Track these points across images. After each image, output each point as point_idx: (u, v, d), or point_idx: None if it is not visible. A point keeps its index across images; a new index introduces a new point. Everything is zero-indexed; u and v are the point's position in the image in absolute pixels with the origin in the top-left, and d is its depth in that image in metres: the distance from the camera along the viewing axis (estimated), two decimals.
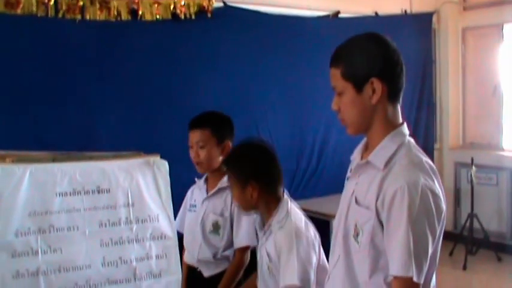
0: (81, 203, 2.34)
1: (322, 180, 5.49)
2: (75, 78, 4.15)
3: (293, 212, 2.57)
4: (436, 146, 6.79)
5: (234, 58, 4.96)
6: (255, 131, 5.00)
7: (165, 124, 4.39)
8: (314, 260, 2.50)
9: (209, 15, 4.74)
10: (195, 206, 3.10)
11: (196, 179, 3.14)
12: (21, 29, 3.94)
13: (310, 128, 5.38)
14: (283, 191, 2.63)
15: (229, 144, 3.01)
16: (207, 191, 3.07)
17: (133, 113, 4.34)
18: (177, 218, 3.11)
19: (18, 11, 3.92)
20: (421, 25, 6.52)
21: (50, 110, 4.00)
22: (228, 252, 3.01)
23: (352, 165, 2.10)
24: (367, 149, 2.04)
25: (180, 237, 2.94)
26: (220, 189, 3.02)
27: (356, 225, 1.96)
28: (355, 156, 2.10)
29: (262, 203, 2.60)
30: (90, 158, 2.47)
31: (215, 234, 3.00)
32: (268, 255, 2.57)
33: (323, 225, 4.33)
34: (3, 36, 3.88)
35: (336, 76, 1.98)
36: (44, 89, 4.00)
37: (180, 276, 2.59)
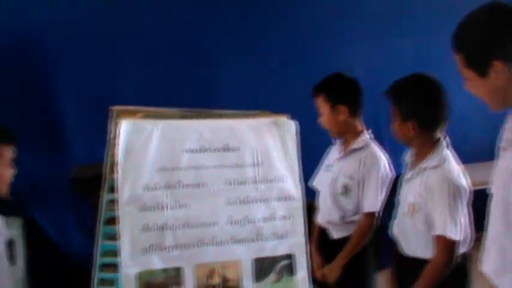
0: (209, 161, 2.33)
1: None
2: (197, 37, 4.15)
3: (449, 159, 2.46)
4: None
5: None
6: None
7: (293, 82, 4.32)
8: (463, 217, 2.40)
9: None
10: (331, 165, 3.05)
11: (335, 140, 3.08)
12: None
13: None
14: (443, 135, 2.52)
15: (345, 108, 2.91)
16: (342, 151, 3.00)
17: (258, 70, 4.29)
18: (315, 176, 3.06)
19: None
20: None
21: (175, 65, 4.03)
22: (356, 217, 2.94)
23: None
24: None
25: None
26: (353, 150, 2.94)
27: None
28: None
29: (419, 142, 2.52)
30: (219, 116, 2.44)
31: (345, 197, 2.94)
32: (415, 194, 2.48)
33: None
34: None
35: (458, 62, 1.94)
36: (164, 46, 4.03)
37: (304, 238, 2.54)
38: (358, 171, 2.92)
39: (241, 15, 4.27)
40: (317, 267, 2.82)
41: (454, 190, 2.40)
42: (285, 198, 2.45)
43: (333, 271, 3.00)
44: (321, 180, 3.10)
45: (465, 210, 2.47)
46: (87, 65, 4.00)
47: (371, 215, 2.93)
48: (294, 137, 2.48)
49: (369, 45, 4.75)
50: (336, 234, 3.00)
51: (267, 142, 2.42)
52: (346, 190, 2.95)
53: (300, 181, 2.50)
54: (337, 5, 4.66)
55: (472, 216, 2.48)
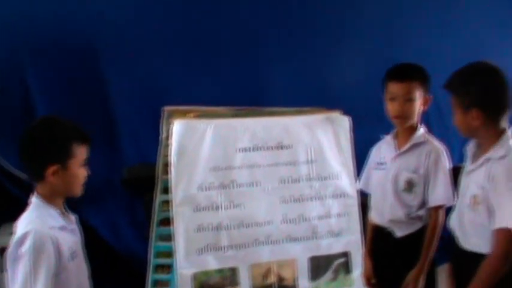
0: (262, 159, 2.31)
1: None
2: (243, 32, 4.13)
3: None
4: None
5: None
6: None
7: (343, 78, 4.27)
8: None
9: None
10: (384, 163, 2.99)
11: (382, 135, 3.02)
12: None
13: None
14: (507, 128, 2.46)
15: (430, 97, 2.88)
16: (398, 147, 2.94)
17: (308, 65, 4.25)
18: (362, 177, 3.01)
19: None
20: None
21: (226, 64, 4.02)
22: (422, 212, 2.88)
23: None
24: None
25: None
26: (414, 145, 2.88)
27: None
28: None
29: (483, 132, 2.45)
30: (271, 114, 2.42)
31: (409, 193, 2.88)
32: (477, 186, 2.41)
33: None
34: None
35: None
36: (211, 44, 4.02)
37: (360, 236, 2.49)
38: (423, 165, 2.85)
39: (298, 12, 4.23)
40: (366, 271, 2.71)
41: None
42: (340, 195, 2.42)
43: (416, 279, 2.87)
44: (375, 180, 3.02)
45: None
46: (139, 65, 4.02)
47: (439, 208, 2.86)
48: (348, 133, 2.44)
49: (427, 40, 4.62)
50: (399, 232, 2.92)
51: (320, 139, 2.39)
52: (410, 185, 2.88)
53: (354, 178, 2.47)
54: None
55: None
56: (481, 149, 2.50)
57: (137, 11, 4.03)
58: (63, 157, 2.22)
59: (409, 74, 2.85)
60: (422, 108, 2.86)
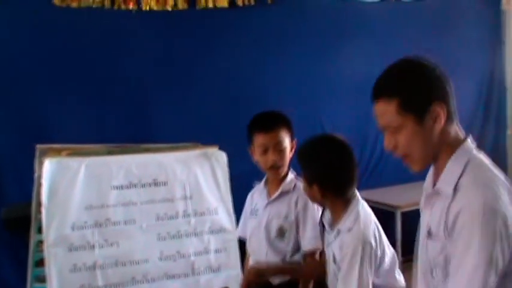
0: (137, 196, 2.29)
1: (387, 170, 5.32)
2: (131, 70, 4.14)
3: (363, 216, 2.44)
4: (507, 131, 6.50)
5: (295, 45, 4.86)
6: (318, 119, 4.91)
7: (223, 115, 4.33)
8: (370, 279, 2.37)
9: (269, 1, 4.64)
10: (257, 210, 3.00)
11: (254, 183, 3.05)
12: (77, 21, 3.94)
13: (374, 115, 5.22)
14: (355, 192, 2.50)
15: (295, 142, 2.90)
16: (269, 195, 2.96)
17: (189, 104, 4.31)
18: (240, 224, 3.00)
19: (74, 4, 3.92)
20: (488, 5, 6.25)
21: (104, 101, 4.00)
22: (297, 257, 2.91)
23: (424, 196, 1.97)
24: (436, 174, 1.88)
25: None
26: (283, 193, 2.90)
27: (430, 260, 1.82)
28: (427, 185, 1.94)
29: (328, 203, 2.50)
30: (147, 150, 2.41)
31: (281, 239, 2.90)
32: (334, 256, 2.47)
33: (387, 216, 4.19)
34: (60, 29, 3.89)
35: (388, 112, 1.83)
36: (99, 80, 4.00)
37: (240, 271, 2.50)
38: (293, 211, 2.88)
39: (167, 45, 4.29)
40: None
41: (367, 251, 2.37)
42: (218, 230, 2.42)
43: None
44: (250, 228, 3.03)
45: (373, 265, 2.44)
46: (18, 100, 3.93)
47: (312, 253, 2.89)
48: (225, 168, 2.45)
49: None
50: (277, 279, 2.93)
51: (197, 174, 2.39)
52: (281, 232, 2.91)
53: (232, 212, 2.48)
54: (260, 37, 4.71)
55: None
56: (333, 218, 2.54)
57: (16, 46, 3.95)
58: None
59: (276, 123, 2.85)
60: (290, 154, 2.88)
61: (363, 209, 2.47)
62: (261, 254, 2.95)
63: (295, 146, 2.88)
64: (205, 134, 2.69)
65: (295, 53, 4.84)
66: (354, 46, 5.08)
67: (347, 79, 5.08)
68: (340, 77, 5.07)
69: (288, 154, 2.85)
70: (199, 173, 2.40)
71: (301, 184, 2.84)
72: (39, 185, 2.22)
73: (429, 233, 1.83)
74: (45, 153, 2.27)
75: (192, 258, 2.35)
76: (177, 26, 4.34)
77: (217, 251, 2.41)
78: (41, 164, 2.23)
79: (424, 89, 1.79)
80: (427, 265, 1.85)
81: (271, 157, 2.81)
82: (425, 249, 1.87)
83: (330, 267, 2.55)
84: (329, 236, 2.55)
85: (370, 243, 2.37)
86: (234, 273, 2.45)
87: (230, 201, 2.46)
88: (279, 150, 2.81)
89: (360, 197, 2.51)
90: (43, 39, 3.99)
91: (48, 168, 2.19)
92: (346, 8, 5.18)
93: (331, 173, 2.44)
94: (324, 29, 5.01)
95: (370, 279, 2.37)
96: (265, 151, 2.82)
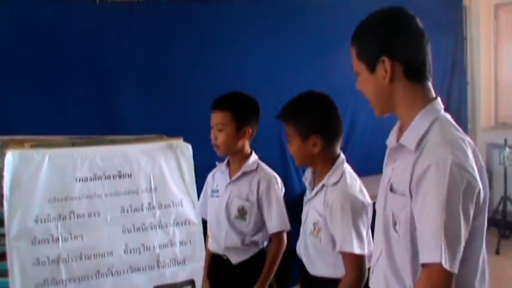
0: (102, 189, 2.26)
1: (350, 163, 5.34)
2: (95, 61, 4.10)
3: (348, 174, 2.49)
4: (468, 126, 6.61)
5: (259, 39, 4.87)
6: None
7: (188, 106, 4.33)
8: (364, 231, 2.43)
9: None
10: (218, 191, 3.01)
11: (217, 163, 3.05)
12: (38, 11, 3.88)
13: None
14: (340, 152, 2.55)
15: (250, 130, 2.90)
16: (230, 175, 2.97)
17: (154, 96, 4.29)
18: (199, 203, 3.01)
19: None
20: (451, 1, 6.34)
21: (69, 93, 3.95)
22: (257, 237, 2.93)
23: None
24: (401, 132, 1.93)
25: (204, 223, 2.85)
26: (245, 173, 2.92)
27: (393, 215, 1.84)
28: (391, 140, 1.98)
29: (319, 159, 2.53)
30: (111, 142, 2.38)
31: (241, 220, 2.92)
32: (317, 213, 2.49)
33: None
34: (20, 20, 3.83)
35: (352, 56, 1.94)
36: (62, 72, 3.95)
37: (203, 263, 2.50)
38: (254, 192, 2.90)
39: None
40: None
41: (356, 205, 2.43)
42: (183, 223, 2.41)
43: None
44: (210, 208, 3.04)
45: (366, 223, 2.49)
46: None
47: (279, 234, 2.91)
48: (190, 160, 2.44)
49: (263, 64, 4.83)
50: (235, 259, 2.95)
51: (161, 166, 2.37)
52: (242, 213, 2.92)
53: (197, 204, 2.47)
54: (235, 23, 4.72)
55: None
56: (317, 176, 2.58)
57: None
58: None
59: (222, 104, 2.88)
60: (241, 139, 2.89)
61: (348, 170, 2.52)
62: (220, 234, 2.97)
63: (248, 133, 2.89)
64: (170, 126, 2.69)
65: (256, 47, 4.86)
66: (316, 40, 5.13)
67: (311, 74, 5.09)
68: (304, 72, 5.09)
69: (230, 137, 2.86)
70: (164, 165, 2.38)
71: (265, 167, 2.88)
72: (1, 177, 2.18)
73: (391, 188, 1.87)
74: (7, 145, 2.22)
75: (157, 250, 2.34)
76: (140, 17, 4.31)
77: (182, 243, 2.40)
78: (2, 155, 2.19)
79: (377, 42, 1.86)
80: (388, 220, 1.88)
81: (212, 135, 2.86)
82: (384, 203, 1.91)
83: (307, 225, 2.56)
84: (308, 195, 2.58)
85: (356, 197, 2.42)
86: (199, 266, 2.44)
87: (195, 193, 2.45)
88: (218, 130, 2.85)
89: (344, 158, 2.56)
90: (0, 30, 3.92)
91: (10, 160, 2.15)
92: None
93: (328, 122, 2.50)
94: (287, 23, 5.05)
95: (363, 229, 2.42)
96: (212, 128, 2.88)
